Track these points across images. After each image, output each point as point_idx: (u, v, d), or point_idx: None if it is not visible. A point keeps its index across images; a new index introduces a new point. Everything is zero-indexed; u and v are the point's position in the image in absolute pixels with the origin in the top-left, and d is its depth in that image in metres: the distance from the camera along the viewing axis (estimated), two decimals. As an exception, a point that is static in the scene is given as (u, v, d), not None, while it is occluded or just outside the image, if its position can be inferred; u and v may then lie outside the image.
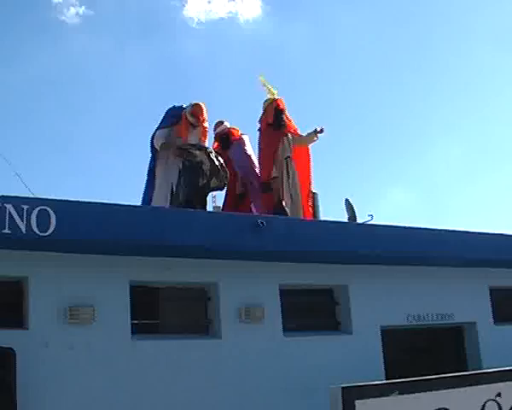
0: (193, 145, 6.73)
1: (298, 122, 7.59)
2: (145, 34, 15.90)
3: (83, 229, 4.90)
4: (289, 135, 7.38)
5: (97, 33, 15.49)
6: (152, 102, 14.96)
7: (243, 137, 7.54)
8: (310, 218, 7.26)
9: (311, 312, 6.34)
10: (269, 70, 15.15)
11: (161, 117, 7.01)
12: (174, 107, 7.03)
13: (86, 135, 14.73)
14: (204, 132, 6.97)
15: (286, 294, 6.04)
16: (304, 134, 7.48)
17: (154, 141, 6.86)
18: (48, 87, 14.64)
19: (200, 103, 6.92)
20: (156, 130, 6.92)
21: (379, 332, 6.42)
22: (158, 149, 6.82)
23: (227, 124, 7.58)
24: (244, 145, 7.41)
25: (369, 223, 7.07)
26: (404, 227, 6.53)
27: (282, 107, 7.38)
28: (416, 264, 6.62)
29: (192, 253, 5.50)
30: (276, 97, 7.44)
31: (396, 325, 6.58)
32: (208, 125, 7.10)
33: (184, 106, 6.99)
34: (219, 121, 7.59)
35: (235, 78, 16.29)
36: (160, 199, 6.73)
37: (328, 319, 6.40)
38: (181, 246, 5.36)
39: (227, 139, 7.42)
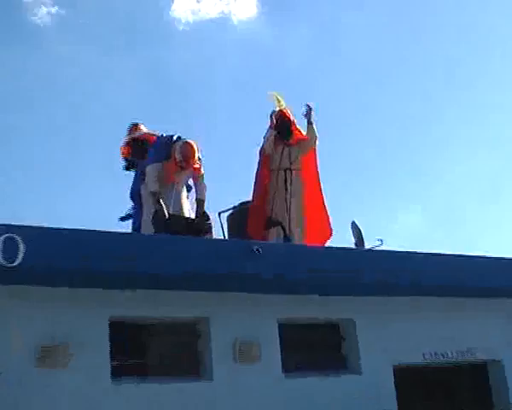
0: (179, 219, 6.60)
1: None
2: (127, 38, 15.86)
3: (56, 258, 4.84)
4: (295, 147, 7.38)
5: (72, 35, 15.40)
6: (137, 113, 14.86)
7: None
8: (328, 237, 7.23)
9: (314, 349, 6.30)
10: (266, 75, 15.32)
11: (153, 146, 6.95)
12: (162, 138, 6.94)
13: (66, 155, 14.62)
14: (196, 173, 6.89)
15: (285, 329, 6.00)
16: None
17: (147, 177, 6.76)
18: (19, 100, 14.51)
19: (192, 143, 6.78)
20: (148, 162, 6.84)
21: (391, 371, 6.37)
22: (148, 190, 6.76)
23: (144, 128, 7.37)
24: None
25: (379, 248, 7.07)
26: (418, 253, 6.51)
27: (288, 119, 7.40)
28: (431, 294, 6.57)
29: (179, 284, 5.46)
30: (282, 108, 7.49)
31: (410, 364, 6.54)
32: (201, 162, 6.99)
33: (175, 137, 6.87)
34: (134, 124, 7.41)
35: (230, 84, 16.24)
36: (149, 225, 6.66)
37: (334, 356, 6.37)
38: (167, 276, 5.31)
39: (142, 146, 7.17)
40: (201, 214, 6.82)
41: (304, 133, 7.50)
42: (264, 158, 7.43)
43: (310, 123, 7.39)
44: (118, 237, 5.41)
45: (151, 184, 6.71)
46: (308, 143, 7.46)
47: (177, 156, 6.69)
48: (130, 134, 7.33)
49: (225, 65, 16.47)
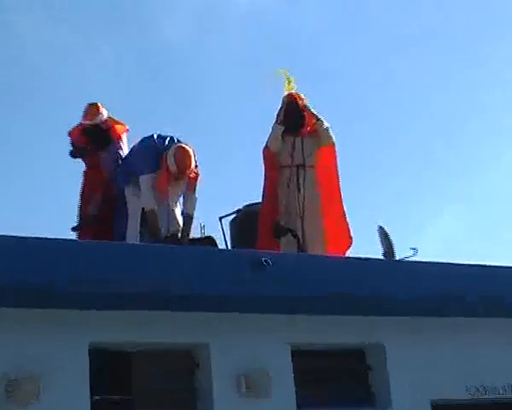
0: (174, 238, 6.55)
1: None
2: (109, 15, 15.76)
3: (22, 273, 4.82)
4: (308, 138, 7.28)
5: (39, 13, 15.32)
6: (123, 103, 14.69)
7: (123, 137, 7.20)
8: (348, 246, 7.17)
9: (335, 380, 6.22)
10: (274, 53, 15.23)
11: (140, 148, 6.81)
12: (154, 139, 6.77)
13: (42, 149, 14.48)
14: (191, 183, 6.73)
15: (300, 356, 5.92)
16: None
17: (142, 191, 6.64)
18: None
19: (187, 148, 6.61)
20: (138, 171, 6.72)
21: (428, 408, 6.27)
22: (143, 206, 6.69)
23: (105, 112, 7.08)
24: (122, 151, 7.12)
25: (412, 259, 7.03)
26: (460, 264, 6.44)
27: (297, 104, 7.29)
28: (476, 314, 6.45)
29: (173, 303, 5.39)
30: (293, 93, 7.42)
31: (452, 399, 6.42)
32: (197, 170, 6.87)
33: (167, 141, 6.70)
34: (93, 104, 7.09)
35: (231, 64, 16.09)
36: (135, 234, 6.65)
37: (359, 389, 6.28)
38: (158, 294, 5.26)
39: (102, 135, 6.98)
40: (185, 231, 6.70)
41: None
42: (269, 156, 7.26)
43: (317, 118, 7.26)
44: (98, 246, 5.39)
45: (148, 200, 6.60)
46: (321, 141, 7.31)
47: (171, 166, 6.53)
48: (89, 118, 7.02)
49: (226, 40, 16.44)
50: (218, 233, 7.58)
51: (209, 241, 6.81)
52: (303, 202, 7.12)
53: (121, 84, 15.44)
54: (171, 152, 6.58)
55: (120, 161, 7.04)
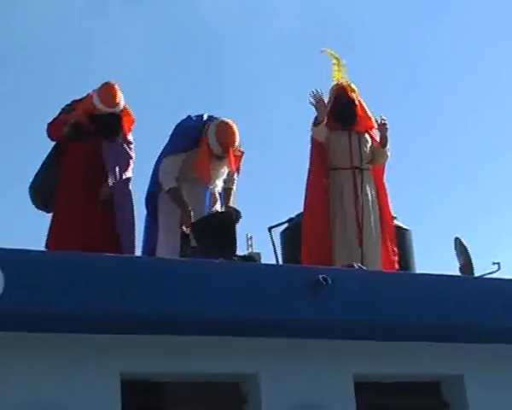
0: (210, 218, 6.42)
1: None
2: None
3: (47, 294, 4.83)
4: (366, 136, 7.17)
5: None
6: (151, 90, 14.58)
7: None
8: (393, 264, 7.09)
9: None
10: (329, 36, 15.08)
11: (172, 131, 6.70)
12: (190, 119, 6.65)
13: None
14: (233, 162, 6.54)
15: (364, 389, 5.87)
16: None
17: (161, 173, 6.53)
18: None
19: (230, 124, 6.47)
20: (164, 154, 6.61)
21: None
22: (164, 188, 6.57)
23: (122, 99, 6.79)
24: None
25: (494, 276, 6.98)
26: None
27: (348, 94, 7.14)
28: None
29: (217, 328, 5.39)
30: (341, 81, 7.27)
31: None
32: (241, 151, 6.69)
33: (205, 117, 6.62)
34: (111, 86, 6.75)
35: (279, 49, 15.97)
36: (167, 248, 6.54)
37: None
38: (199, 317, 5.26)
39: (115, 123, 6.72)
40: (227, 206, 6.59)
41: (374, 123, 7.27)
42: (317, 149, 7.13)
43: (383, 145, 7.10)
44: (129, 262, 5.42)
45: (167, 179, 6.48)
46: (378, 160, 7.21)
47: (213, 145, 6.41)
48: (109, 103, 6.68)
49: (273, 20, 16.26)
50: (268, 246, 7.54)
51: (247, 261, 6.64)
52: (362, 212, 6.96)
53: (149, 65, 15.46)
54: (211, 129, 6.43)
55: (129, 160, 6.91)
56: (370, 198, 7.06)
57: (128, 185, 6.83)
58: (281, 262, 7.38)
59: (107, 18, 15.78)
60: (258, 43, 15.98)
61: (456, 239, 7.35)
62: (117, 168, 6.72)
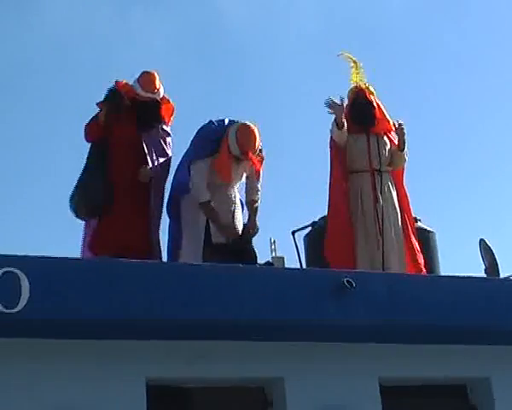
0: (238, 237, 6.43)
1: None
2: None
3: (73, 302, 4.85)
4: (385, 138, 7.10)
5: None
6: (174, 94, 14.60)
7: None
8: (419, 266, 6.99)
9: None
10: (352, 38, 14.96)
11: (195, 137, 6.69)
12: (211, 124, 6.63)
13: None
14: (254, 166, 6.53)
15: (391, 392, 5.84)
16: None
17: (192, 181, 6.50)
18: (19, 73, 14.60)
19: (251, 126, 6.47)
20: (188, 159, 6.60)
21: None
22: (197, 200, 6.55)
23: (161, 87, 6.77)
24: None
25: None
26: None
27: (366, 96, 7.10)
28: None
29: (242, 332, 5.38)
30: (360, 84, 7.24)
31: None
32: (262, 154, 6.65)
33: (226, 121, 6.60)
34: (151, 73, 6.77)
35: (301, 51, 15.88)
36: (191, 252, 6.52)
37: None
38: (224, 322, 5.27)
39: (154, 109, 6.72)
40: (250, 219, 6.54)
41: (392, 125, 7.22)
42: (336, 152, 7.09)
43: (401, 149, 7.04)
44: (153, 267, 5.41)
45: (200, 190, 6.47)
46: (396, 163, 7.15)
47: (232, 146, 6.42)
48: (151, 88, 6.69)
49: (298, 21, 16.15)
50: (291, 250, 7.51)
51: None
52: (382, 215, 6.91)
53: (171, 69, 15.42)
54: (232, 131, 6.44)
55: (164, 156, 6.90)
56: (391, 200, 7.01)
57: (165, 171, 6.80)
58: (304, 266, 7.35)
59: (129, 23, 15.84)
60: (280, 46, 15.92)
61: (481, 241, 7.33)
62: (154, 154, 6.70)
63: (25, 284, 4.68)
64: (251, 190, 6.70)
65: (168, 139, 6.89)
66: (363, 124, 7.04)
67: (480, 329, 5.91)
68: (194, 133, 6.74)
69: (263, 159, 6.69)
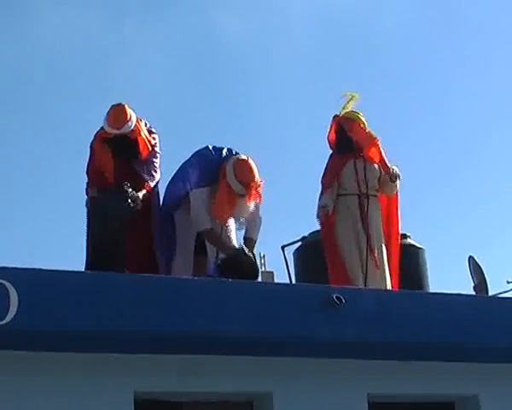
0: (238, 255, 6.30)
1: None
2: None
3: (62, 314, 4.82)
4: (372, 164, 7.10)
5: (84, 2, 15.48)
6: (167, 105, 14.56)
7: (156, 149, 6.69)
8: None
9: None
10: (348, 51, 14.97)
11: (193, 161, 6.64)
12: (209, 152, 6.61)
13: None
14: (254, 198, 6.50)
15: (379, 409, 5.83)
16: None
17: (193, 208, 6.47)
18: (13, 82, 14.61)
19: (249, 161, 6.47)
20: (191, 186, 6.53)
21: None
22: (198, 228, 6.52)
23: (133, 117, 6.51)
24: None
25: (508, 295, 7.15)
26: None
27: (347, 125, 7.09)
28: None
29: (230, 347, 5.36)
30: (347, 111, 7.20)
31: None
32: (261, 186, 6.56)
33: (224, 152, 6.56)
34: (120, 107, 6.50)
35: (295, 64, 15.89)
36: (182, 266, 6.51)
37: None
38: (212, 336, 5.24)
39: (131, 145, 6.46)
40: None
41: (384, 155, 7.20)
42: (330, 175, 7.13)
43: (392, 181, 7.08)
44: (141, 280, 5.34)
45: (202, 218, 6.45)
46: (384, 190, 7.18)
47: (233, 184, 6.43)
48: (116, 125, 6.40)
49: (292, 35, 16.21)
50: (281, 265, 7.49)
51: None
52: (365, 236, 6.93)
53: (165, 81, 15.45)
54: (230, 166, 6.44)
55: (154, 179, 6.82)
56: (375, 224, 7.02)
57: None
58: (294, 281, 7.33)
59: (123, 34, 15.87)
60: (273, 57, 15.94)
61: (470, 258, 7.36)
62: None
63: (13, 296, 4.64)
64: (250, 226, 6.67)
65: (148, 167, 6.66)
66: (345, 153, 7.06)
67: (468, 346, 5.91)
68: (192, 156, 6.69)
69: (260, 192, 6.69)
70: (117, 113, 6.47)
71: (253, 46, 16.32)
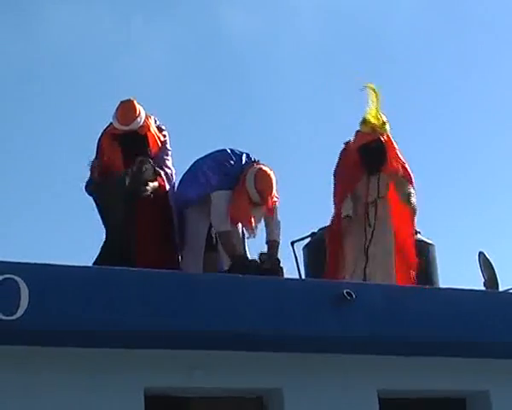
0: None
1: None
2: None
3: (72, 310, 4.82)
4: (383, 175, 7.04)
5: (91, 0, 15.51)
6: (174, 103, 14.54)
7: (167, 145, 6.65)
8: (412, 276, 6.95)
9: None
10: (356, 46, 14.87)
11: (212, 162, 6.60)
12: (229, 157, 6.59)
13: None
14: (271, 208, 6.59)
15: (389, 405, 5.82)
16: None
17: (214, 208, 6.44)
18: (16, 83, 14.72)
19: (268, 172, 6.52)
20: (214, 186, 6.52)
21: None
22: (217, 228, 6.51)
23: (142, 113, 6.48)
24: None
25: None
26: None
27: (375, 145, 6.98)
28: None
29: (240, 343, 5.36)
30: (377, 130, 7.03)
31: None
32: (277, 194, 6.64)
33: (244, 159, 6.57)
34: (128, 103, 6.48)
35: (303, 60, 15.85)
36: (192, 263, 6.48)
37: None
38: (223, 332, 5.23)
39: (140, 141, 6.44)
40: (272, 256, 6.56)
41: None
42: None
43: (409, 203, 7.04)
44: (153, 275, 5.33)
45: (222, 220, 6.47)
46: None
47: (252, 192, 6.48)
48: (125, 121, 6.36)
49: (299, 31, 16.11)
50: (290, 260, 7.47)
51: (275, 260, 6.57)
52: (371, 236, 6.92)
53: (171, 78, 15.42)
54: (250, 176, 6.51)
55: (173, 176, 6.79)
56: (383, 225, 6.98)
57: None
58: (304, 277, 7.33)
59: (130, 32, 15.83)
60: (281, 54, 15.90)
61: (481, 254, 7.33)
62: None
63: (24, 292, 4.65)
64: (270, 229, 6.72)
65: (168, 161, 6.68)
66: (370, 171, 7.00)
67: (479, 342, 5.90)
68: (208, 158, 6.68)
69: (277, 199, 6.73)
70: (126, 109, 6.45)
71: (260, 42, 16.28)
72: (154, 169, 6.35)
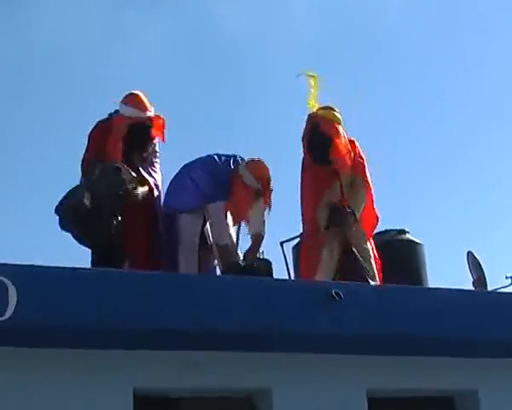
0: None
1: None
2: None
3: (60, 310, 4.82)
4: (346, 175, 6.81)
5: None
6: (166, 95, 14.45)
7: (156, 148, 6.68)
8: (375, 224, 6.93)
9: None
10: (350, 42, 14.84)
11: (205, 170, 6.60)
12: (218, 163, 6.63)
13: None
14: (268, 199, 6.61)
15: (378, 405, 5.82)
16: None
17: (214, 222, 6.49)
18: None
19: (261, 160, 6.58)
20: (213, 196, 6.53)
21: None
22: (217, 241, 6.54)
23: (151, 107, 6.55)
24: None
25: (507, 290, 7.00)
26: None
27: (324, 128, 6.74)
28: None
29: (230, 342, 5.35)
30: (317, 110, 6.87)
31: None
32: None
33: (231, 163, 6.58)
34: (139, 95, 6.52)
35: (295, 54, 15.83)
36: (185, 266, 6.49)
37: None
38: (212, 332, 5.22)
39: (146, 134, 6.48)
40: (258, 256, 6.61)
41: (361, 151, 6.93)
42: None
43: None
44: (141, 277, 5.34)
45: (225, 233, 6.52)
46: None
47: (252, 182, 6.46)
48: (143, 107, 6.43)
49: (292, 27, 16.13)
50: (280, 260, 7.48)
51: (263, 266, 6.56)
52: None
53: (164, 70, 15.38)
54: (243, 169, 6.55)
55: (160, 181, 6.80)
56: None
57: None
58: (293, 277, 7.34)
59: (122, 25, 15.90)
60: (274, 49, 15.93)
61: (469, 253, 7.35)
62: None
63: (12, 293, 4.64)
64: (256, 222, 6.69)
65: (156, 161, 6.72)
66: (318, 163, 6.81)
67: (467, 341, 5.91)
68: (196, 165, 6.66)
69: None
70: (140, 98, 6.55)
71: (253, 36, 16.33)
72: (133, 177, 6.26)
